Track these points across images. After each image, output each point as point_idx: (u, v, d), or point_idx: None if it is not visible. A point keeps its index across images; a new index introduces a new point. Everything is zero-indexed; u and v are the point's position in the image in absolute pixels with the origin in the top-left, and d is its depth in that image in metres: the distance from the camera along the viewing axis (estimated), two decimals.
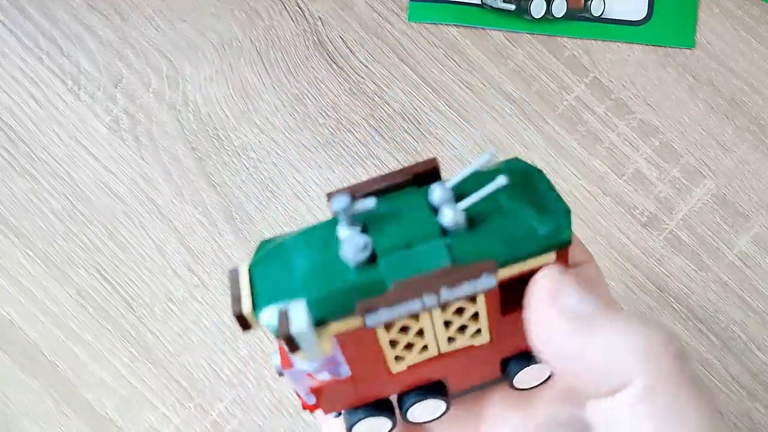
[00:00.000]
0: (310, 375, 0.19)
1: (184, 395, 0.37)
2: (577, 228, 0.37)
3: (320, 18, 0.39)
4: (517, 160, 0.19)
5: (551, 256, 0.18)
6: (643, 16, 0.39)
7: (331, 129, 0.38)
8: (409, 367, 0.20)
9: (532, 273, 0.18)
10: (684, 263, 0.37)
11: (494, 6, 0.38)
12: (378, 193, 0.18)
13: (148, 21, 0.40)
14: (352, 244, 0.17)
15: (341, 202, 0.17)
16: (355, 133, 0.38)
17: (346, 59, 0.39)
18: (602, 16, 0.39)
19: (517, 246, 0.17)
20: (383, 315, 0.16)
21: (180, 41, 0.39)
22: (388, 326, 0.18)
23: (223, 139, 0.38)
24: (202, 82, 0.39)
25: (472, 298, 0.18)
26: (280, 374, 0.20)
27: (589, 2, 0.39)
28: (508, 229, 0.17)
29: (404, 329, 0.18)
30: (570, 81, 0.38)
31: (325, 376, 0.19)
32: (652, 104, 0.38)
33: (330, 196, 0.18)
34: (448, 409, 0.21)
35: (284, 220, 0.38)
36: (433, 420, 0.22)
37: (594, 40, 0.39)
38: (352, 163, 0.38)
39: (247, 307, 0.17)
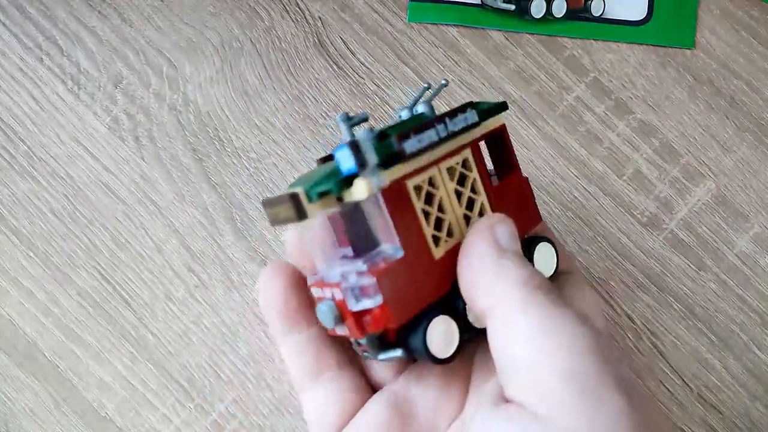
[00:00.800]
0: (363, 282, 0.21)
1: (184, 395, 0.37)
2: (578, 228, 0.37)
3: (320, 18, 0.39)
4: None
5: (500, 120, 0.25)
6: (643, 17, 0.39)
7: (331, 129, 0.38)
8: (447, 253, 0.23)
9: (491, 134, 0.25)
10: (684, 263, 0.37)
11: (494, 6, 0.38)
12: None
13: (148, 21, 0.40)
14: (366, 132, 0.21)
15: (342, 116, 0.22)
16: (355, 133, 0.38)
17: (346, 60, 0.39)
18: (602, 16, 0.39)
19: (480, 108, 0.24)
20: (414, 142, 0.21)
21: (180, 41, 0.39)
22: (417, 189, 0.22)
23: (224, 139, 0.38)
24: (202, 83, 0.39)
25: (467, 165, 0.24)
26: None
27: (589, 2, 0.39)
28: (468, 106, 0.24)
29: (429, 200, 0.22)
30: (570, 81, 0.38)
31: (381, 263, 0.21)
32: (652, 104, 0.38)
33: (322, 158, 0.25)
34: None
35: None
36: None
37: (594, 40, 0.39)
38: None
39: (299, 188, 0.20)
